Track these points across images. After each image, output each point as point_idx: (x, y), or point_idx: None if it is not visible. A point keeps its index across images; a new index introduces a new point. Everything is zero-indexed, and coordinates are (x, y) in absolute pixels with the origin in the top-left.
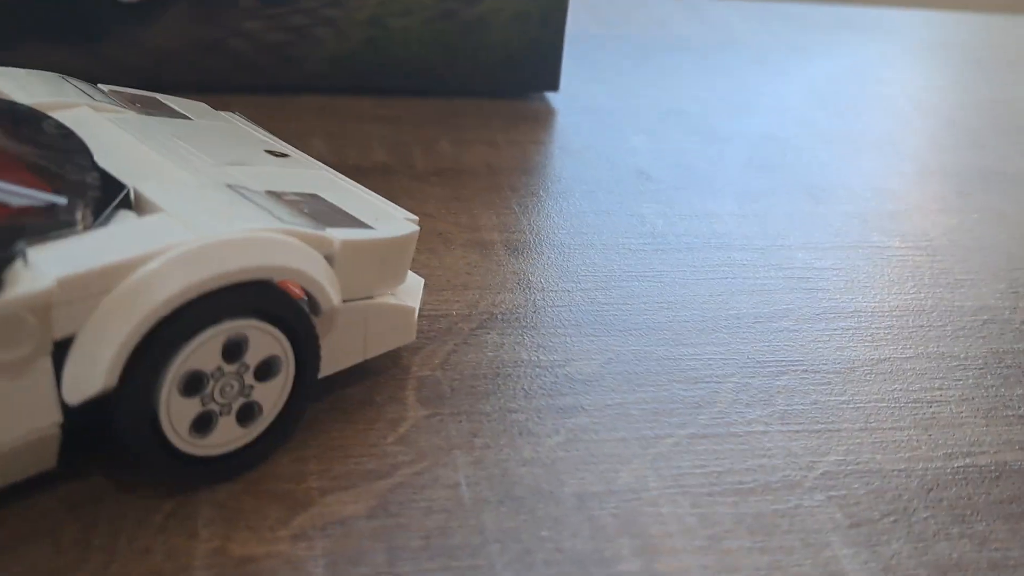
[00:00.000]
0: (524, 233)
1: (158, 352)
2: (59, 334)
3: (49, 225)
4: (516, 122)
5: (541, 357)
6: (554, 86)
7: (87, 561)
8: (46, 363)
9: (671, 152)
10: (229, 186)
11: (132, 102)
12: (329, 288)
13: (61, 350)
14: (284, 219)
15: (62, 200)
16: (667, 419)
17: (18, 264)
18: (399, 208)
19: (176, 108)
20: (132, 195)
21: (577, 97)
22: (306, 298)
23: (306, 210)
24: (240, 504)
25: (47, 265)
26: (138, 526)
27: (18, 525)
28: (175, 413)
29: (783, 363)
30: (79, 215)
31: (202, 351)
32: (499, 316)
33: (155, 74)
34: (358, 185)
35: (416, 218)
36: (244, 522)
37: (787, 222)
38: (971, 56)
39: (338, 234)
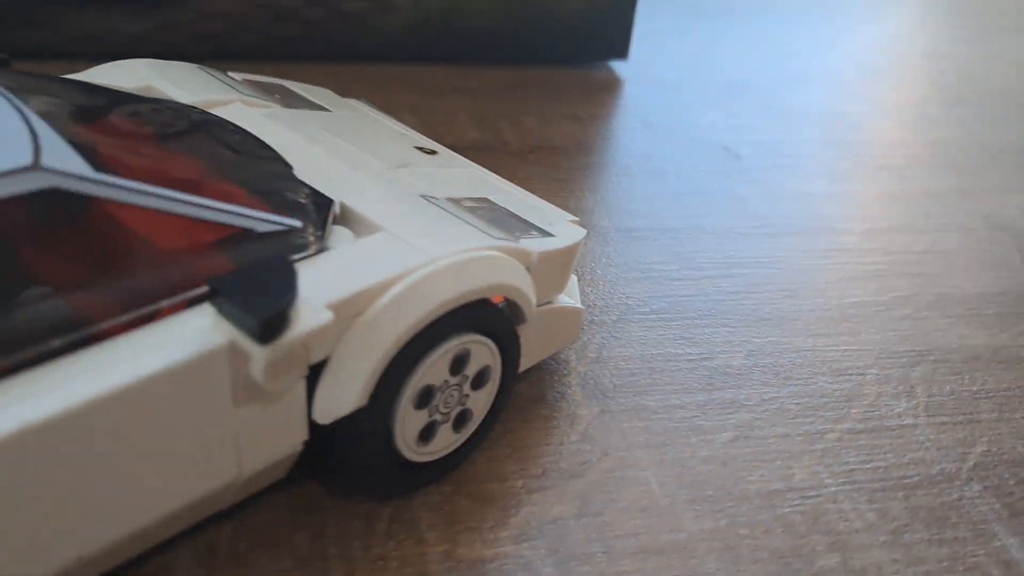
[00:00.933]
0: (633, 217)
1: (402, 370)
2: (315, 359)
3: (295, 249)
4: (592, 94)
5: (687, 350)
6: (623, 54)
7: (328, 572)
8: (301, 387)
9: (748, 128)
10: (423, 196)
11: (269, 92)
12: (532, 298)
13: (313, 373)
14: (491, 235)
15: (297, 223)
16: (822, 413)
17: (295, 307)
18: (555, 207)
19: (309, 97)
20: (338, 209)
21: (639, 66)
22: (506, 306)
23: (488, 217)
24: (455, 507)
25: (312, 295)
26: (366, 534)
27: (251, 537)
28: (408, 425)
29: (913, 353)
30: (311, 237)
31: (435, 367)
32: (634, 307)
33: (227, 41)
34: (506, 181)
35: (577, 219)
36: (464, 524)
37: (877, 203)
38: (1014, 20)
39: (534, 246)
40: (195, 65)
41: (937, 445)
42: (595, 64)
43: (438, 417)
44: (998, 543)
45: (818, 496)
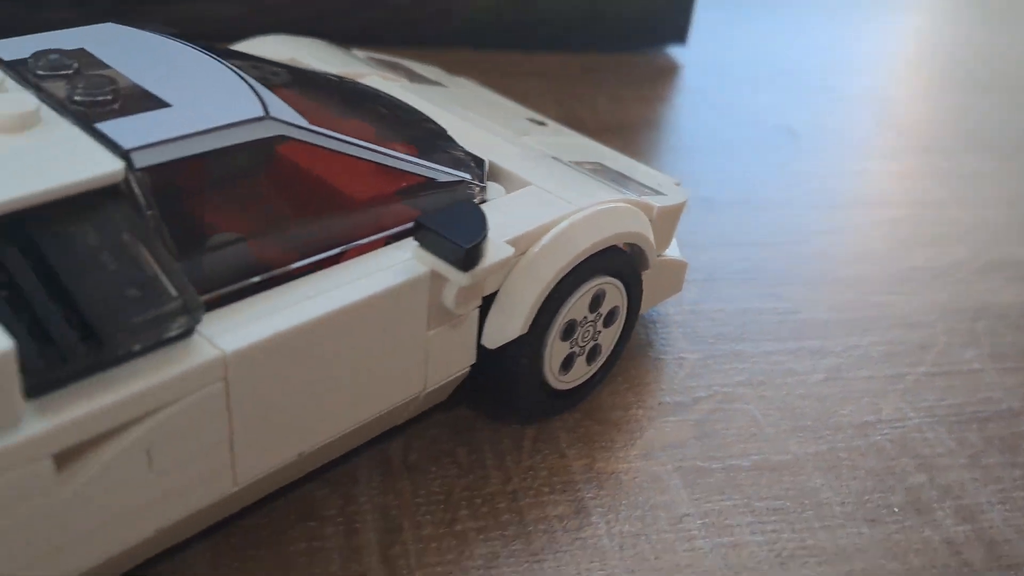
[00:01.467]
0: (706, 189)
1: (555, 304)
2: (488, 291)
3: (467, 198)
4: (656, 77)
5: (774, 305)
6: (682, 39)
7: (488, 479)
8: (475, 315)
9: (801, 110)
10: (553, 158)
11: (392, 68)
12: (654, 247)
13: (484, 304)
14: (619, 191)
15: (466, 176)
16: (901, 359)
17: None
18: (657, 171)
19: (425, 74)
20: (483, 169)
21: (696, 52)
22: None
23: (608, 177)
24: (588, 430)
25: (501, 247)
26: (515, 449)
27: (419, 450)
28: (554, 355)
29: (976, 308)
30: (476, 189)
31: (579, 303)
32: (720, 268)
33: (316, 25)
34: (609, 148)
35: (679, 181)
36: (597, 444)
37: (927, 179)
38: None
39: (655, 201)
40: (323, 42)
41: (1003, 387)
42: (655, 50)
43: (576, 349)
44: None
45: (904, 427)
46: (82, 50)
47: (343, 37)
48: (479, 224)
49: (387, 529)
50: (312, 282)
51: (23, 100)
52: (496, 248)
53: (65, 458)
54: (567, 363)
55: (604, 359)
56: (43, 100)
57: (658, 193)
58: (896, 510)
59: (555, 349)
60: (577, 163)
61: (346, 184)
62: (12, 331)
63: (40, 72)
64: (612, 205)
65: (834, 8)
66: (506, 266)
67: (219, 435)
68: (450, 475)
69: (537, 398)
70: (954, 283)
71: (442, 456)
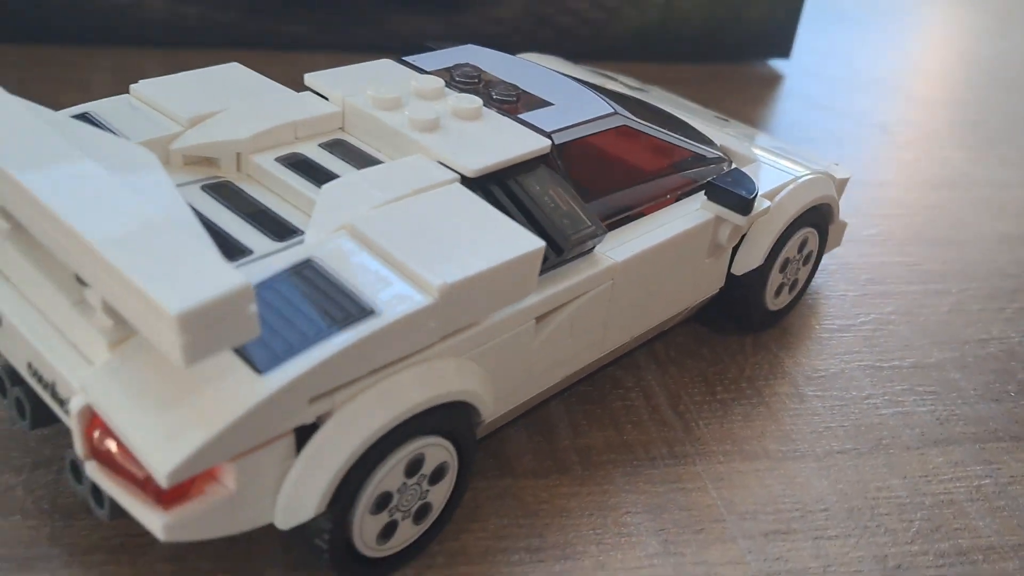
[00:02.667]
0: None
1: (783, 242)
2: (744, 232)
3: (724, 169)
4: (768, 83)
5: (902, 259)
6: (787, 54)
7: (729, 368)
8: (728, 253)
9: (892, 110)
10: (759, 147)
11: (610, 78)
12: (839, 205)
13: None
14: (813, 166)
15: (719, 154)
16: (1001, 298)
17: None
18: (818, 153)
19: (628, 82)
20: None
21: (797, 62)
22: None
23: (797, 157)
24: (787, 340)
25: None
26: (742, 352)
27: (673, 349)
28: (772, 285)
29: None
30: (725, 164)
31: (792, 246)
32: (855, 232)
33: (502, 40)
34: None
35: (839, 163)
36: (799, 350)
37: (1008, 166)
38: None
39: (836, 174)
40: (558, 57)
41: None
42: (762, 62)
43: (785, 281)
44: None
45: (1009, 343)
46: (475, 67)
47: (520, 51)
48: (752, 184)
49: (670, 395)
50: (648, 221)
51: (472, 99)
52: (760, 203)
53: (539, 320)
54: (778, 292)
55: (799, 290)
56: (475, 96)
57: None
58: (1012, 393)
59: (774, 279)
60: (766, 148)
61: (660, 157)
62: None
63: (459, 81)
64: (814, 175)
65: (915, 21)
66: (762, 215)
67: (602, 316)
68: (701, 365)
69: (761, 315)
70: None
71: (693, 354)
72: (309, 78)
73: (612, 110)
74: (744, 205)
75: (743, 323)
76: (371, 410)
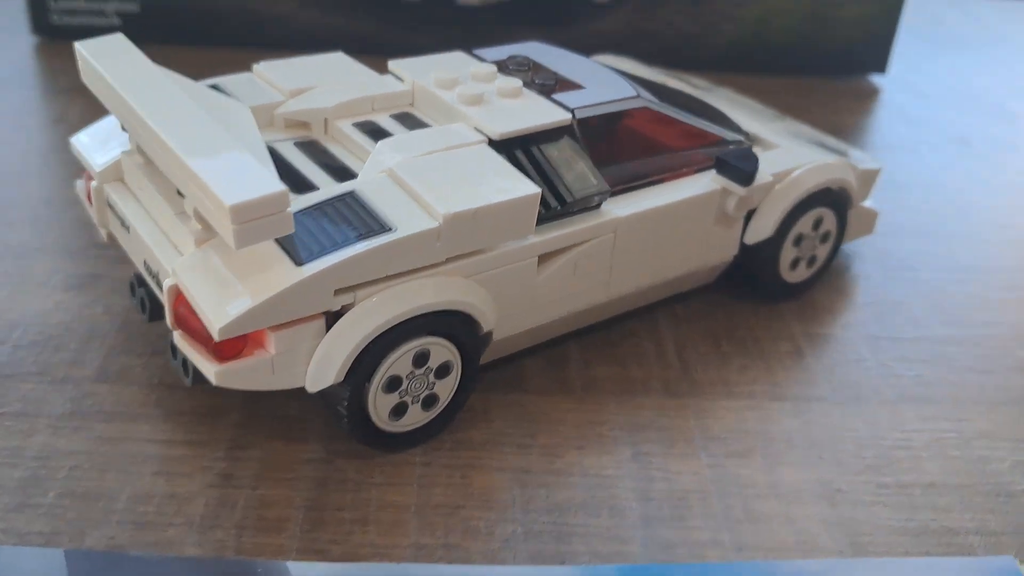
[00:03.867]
0: (913, 175)
1: (793, 218)
2: (753, 206)
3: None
4: (862, 97)
5: (935, 250)
6: (883, 69)
7: (738, 326)
8: (740, 222)
9: (975, 125)
10: (793, 134)
11: (678, 79)
12: (857, 192)
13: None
14: (836, 155)
15: (740, 138)
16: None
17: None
18: (860, 150)
19: (700, 84)
20: (751, 137)
21: (893, 78)
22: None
23: (828, 147)
24: (810, 311)
25: (765, 176)
26: (755, 315)
27: (691, 312)
28: (786, 258)
29: None
30: (748, 147)
31: (805, 222)
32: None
33: (609, 51)
34: (831, 137)
35: (875, 159)
36: (817, 320)
37: None
38: None
39: (858, 164)
40: (630, 59)
41: None
42: (859, 76)
43: (799, 255)
44: None
45: (1014, 331)
46: (527, 57)
47: None
48: (755, 160)
49: (678, 346)
50: (661, 188)
51: (514, 81)
52: (761, 175)
53: (543, 260)
54: (795, 264)
55: (820, 267)
56: (518, 79)
57: (861, 161)
58: (1005, 368)
59: (788, 252)
60: (809, 140)
61: (677, 136)
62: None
63: (511, 68)
64: (829, 161)
65: (1001, 48)
66: (766, 189)
67: (607, 263)
68: (713, 325)
69: (779, 286)
70: None
71: (708, 316)
72: (392, 64)
73: (635, 93)
74: (744, 177)
75: (760, 291)
76: (385, 305)
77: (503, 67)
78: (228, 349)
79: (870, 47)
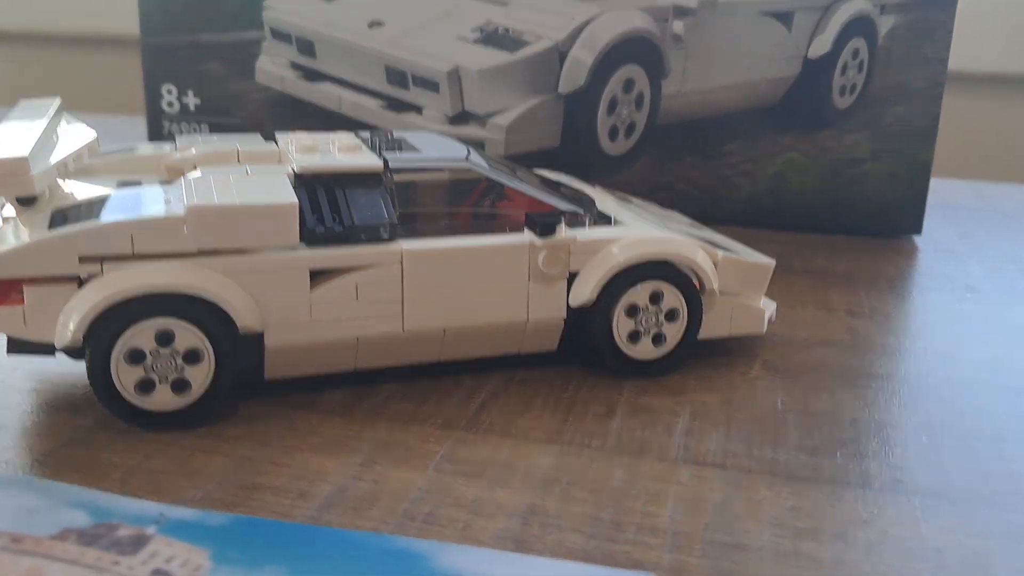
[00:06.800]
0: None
1: (617, 287)
2: (573, 269)
3: (576, 218)
4: (895, 257)
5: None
6: (918, 230)
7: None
8: (563, 284)
9: (990, 277)
10: (664, 226)
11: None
12: (713, 278)
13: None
14: (690, 234)
15: (579, 209)
16: None
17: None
18: (755, 252)
19: (636, 201)
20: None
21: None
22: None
23: (703, 237)
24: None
25: (572, 233)
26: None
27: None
28: (621, 328)
29: None
30: (586, 218)
31: (639, 293)
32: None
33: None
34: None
35: (773, 261)
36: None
37: None
38: None
39: (723, 253)
40: (571, 176)
41: None
42: (894, 237)
43: (640, 329)
44: None
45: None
46: (404, 137)
47: None
48: (558, 217)
49: (489, 395)
50: (469, 237)
51: (355, 140)
52: (566, 233)
53: (323, 278)
54: (634, 337)
55: (670, 349)
56: (364, 142)
57: (736, 252)
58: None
59: (621, 324)
60: (686, 230)
61: (507, 200)
62: (308, 216)
63: (377, 139)
64: (671, 238)
65: None
66: (584, 249)
67: (395, 294)
68: (541, 386)
69: (617, 359)
70: None
71: (540, 380)
72: (278, 134)
73: (463, 158)
74: (542, 229)
75: (597, 360)
76: (125, 278)
77: (369, 139)
78: None
79: (902, 206)
